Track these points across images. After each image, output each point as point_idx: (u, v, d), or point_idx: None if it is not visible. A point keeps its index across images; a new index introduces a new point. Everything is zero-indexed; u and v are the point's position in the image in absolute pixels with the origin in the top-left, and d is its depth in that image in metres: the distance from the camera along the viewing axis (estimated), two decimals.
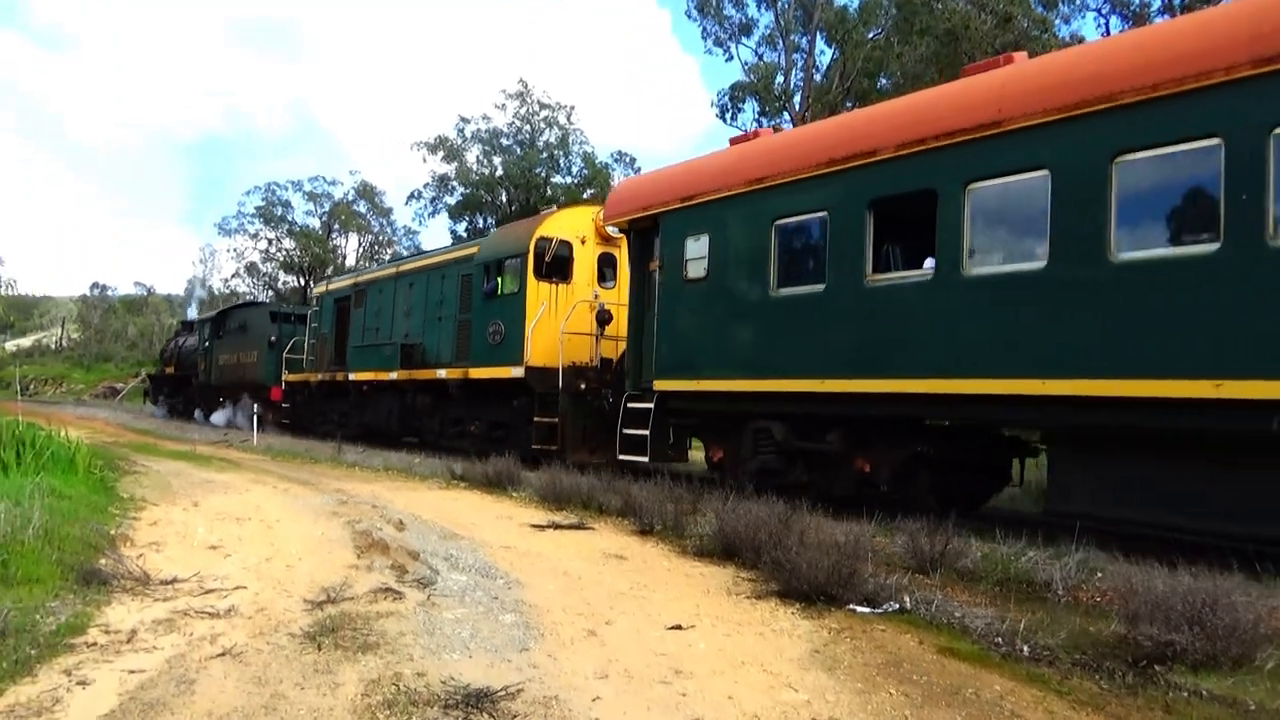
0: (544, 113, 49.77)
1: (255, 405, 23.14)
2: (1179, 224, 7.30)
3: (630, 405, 12.25)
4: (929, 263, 8.99)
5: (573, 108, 50.07)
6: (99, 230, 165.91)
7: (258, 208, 70.33)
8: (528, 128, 50.25)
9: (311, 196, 71.87)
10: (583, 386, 14.07)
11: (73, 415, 32.00)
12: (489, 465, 12.68)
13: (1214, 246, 6.84)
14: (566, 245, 15.38)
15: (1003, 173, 8.32)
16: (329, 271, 54.03)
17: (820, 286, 9.90)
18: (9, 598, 5.04)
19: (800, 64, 30.43)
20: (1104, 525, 7.89)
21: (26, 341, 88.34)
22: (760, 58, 29.91)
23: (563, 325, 14.37)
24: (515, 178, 49.19)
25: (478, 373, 15.90)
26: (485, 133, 50.84)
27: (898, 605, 5.87)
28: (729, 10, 29.94)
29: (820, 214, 9.98)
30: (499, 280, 15.83)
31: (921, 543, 7.13)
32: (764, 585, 6.48)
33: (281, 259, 70.04)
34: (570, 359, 14.28)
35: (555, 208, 18.51)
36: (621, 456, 12.29)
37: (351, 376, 20.76)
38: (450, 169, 51.68)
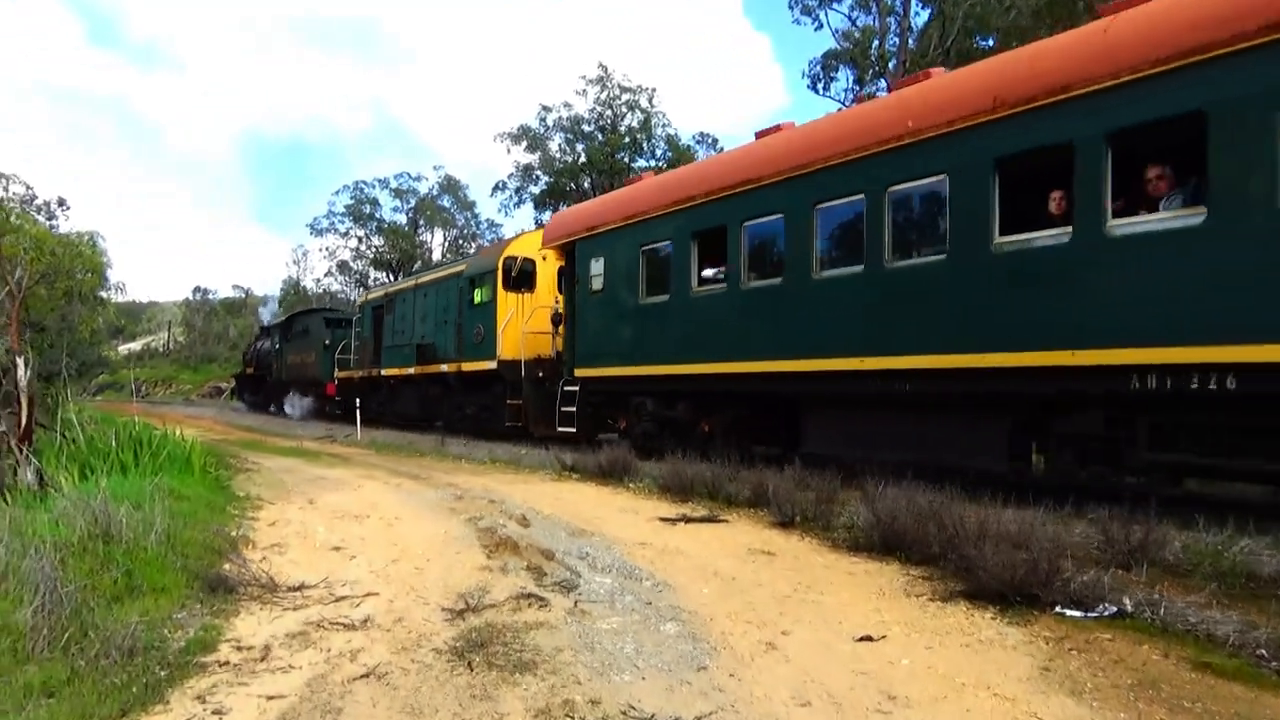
0: (625, 96, 49.21)
1: (358, 400, 23.35)
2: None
3: (564, 389, 15.40)
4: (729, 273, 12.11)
5: (654, 90, 49.42)
6: (199, 236, 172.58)
7: (347, 206, 71.79)
8: (609, 113, 49.77)
9: (397, 193, 73.03)
10: (540, 375, 17.14)
11: (183, 415, 32.87)
12: (601, 455, 12.13)
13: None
14: (530, 262, 18.04)
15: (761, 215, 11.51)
16: (416, 267, 54.72)
17: (666, 296, 13.08)
18: (135, 610, 4.66)
19: (894, 28, 29.06)
20: (829, 459, 10.23)
21: (136, 345, 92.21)
22: (854, 23, 28.71)
23: (524, 327, 17.47)
24: (599, 163, 48.76)
25: (468, 366, 19.34)
26: (567, 120, 50.57)
27: (1115, 608, 5.05)
28: None
29: (667, 242, 13.16)
30: (477, 291, 19.20)
31: (1115, 531, 6.28)
32: (944, 585, 5.73)
33: (372, 256, 71.35)
34: (532, 353, 17.36)
35: (523, 231, 22.57)
36: (559, 429, 15.44)
37: (383, 372, 24.30)
38: (534, 158, 51.63)
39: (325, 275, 75.90)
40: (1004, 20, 24.65)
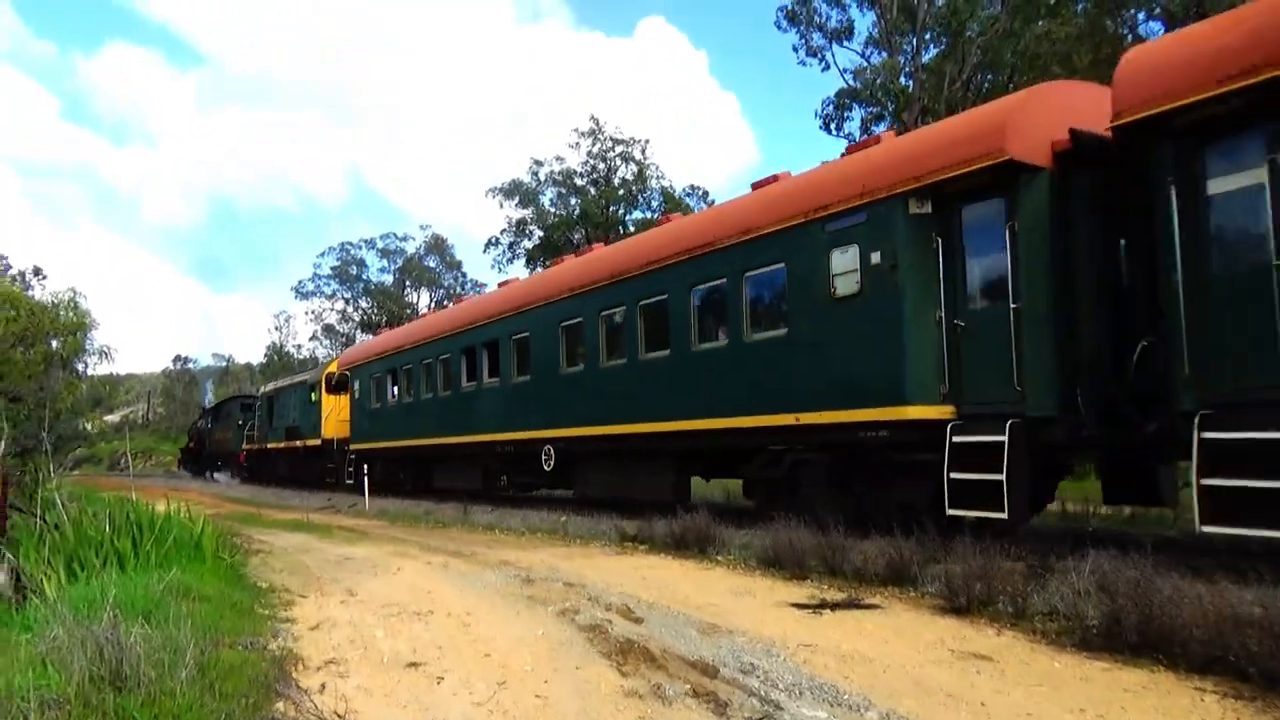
0: (618, 149, 48.29)
1: (365, 468, 21.97)
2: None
3: (351, 454, 24.62)
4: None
5: (647, 141, 48.46)
6: (178, 306, 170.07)
7: (333, 268, 70.32)
8: (602, 165, 48.82)
9: (384, 253, 71.73)
10: (344, 447, 25.65)
11: (165, 488, 30.72)
12: (674, 524, 10.48)
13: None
14: (345, 374, 26.21)
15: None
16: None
17: (396, 400, 22.48)
18: None
19: (905, 65, 28.22)
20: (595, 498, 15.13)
21: (114, 417, 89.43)
22: (867, 60, 27.82)
23: (338, 416, 26.92)
24: (594, 216, 47.64)
25: (309, 441, 29.21)
26: (559, 174, 49.56)
27: None
28: (827, 12, 27.94)
29: (410, 365, 21.62)
30: (312, 393, 29.17)
31: None
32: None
33: (359, 318, 69.70)
34: (339, 434, 26.56)
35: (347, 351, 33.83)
36: (348, 481, 24.67)
37: (268, 445, 34.12)
38: (527, 213, 50.47)
39: (310, 339, 74.05)
40: (1010, 49, 23.74)
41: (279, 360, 78.39)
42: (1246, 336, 7.04)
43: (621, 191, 48.25)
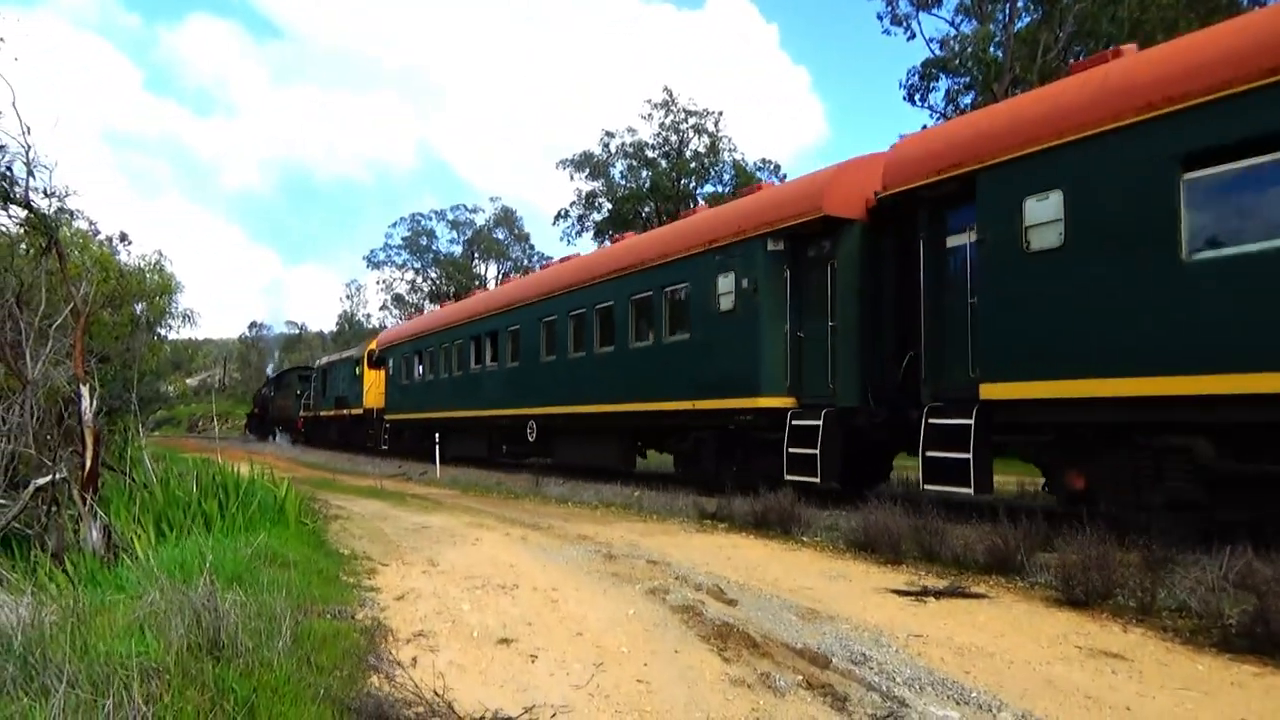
0: (691, 120, 47.64)
1: (436, 437, 22.15)
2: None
3: (386, 423, 28.27)
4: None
5: (721, 114, 47.71)
6: (253, 273, 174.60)
7: (404, 239, 71.20)
8: (674, 137, 48.24)
9: (454, 225, 72.33)
10: (381, 416, 29.23)
11: (243, 451, 31.54)
12: (754, 503, 10.17)
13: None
14: (382, 353, 29.39)
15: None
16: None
17: (433, 376, 24.65)
18: None
19: (997, 34, 27.06)
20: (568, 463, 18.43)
21: (193, 381, 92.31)
22: (956, 28, 26.74)
23: (379, 389, 29.82)
24: (664, 189, 47.16)
25: (354, 410, 32.82)
26: (630, 146, 49.15)
27: None
28: None
29: (433, 348, 25.14)
30: (357, 367, 32.51)
31: None
32: None
33: (428, 289, 70.49)
34: (377, 404, 29.88)
35: (384, 332, 35.72)
36: (384, 446, 28.34)
37: (320, 413, 37.83)
38: (597, 185, 50.23)
39: (380, 309, 75.17)
40: (1113, 19, 22.51)
41: (350, 329, 79.91)
42: (955, 351, 9.80)
43: (693, 164, 47.66)
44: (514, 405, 19.40)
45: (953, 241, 10.03)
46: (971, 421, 9.07)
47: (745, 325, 12.35)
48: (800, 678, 4.33)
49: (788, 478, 11.28)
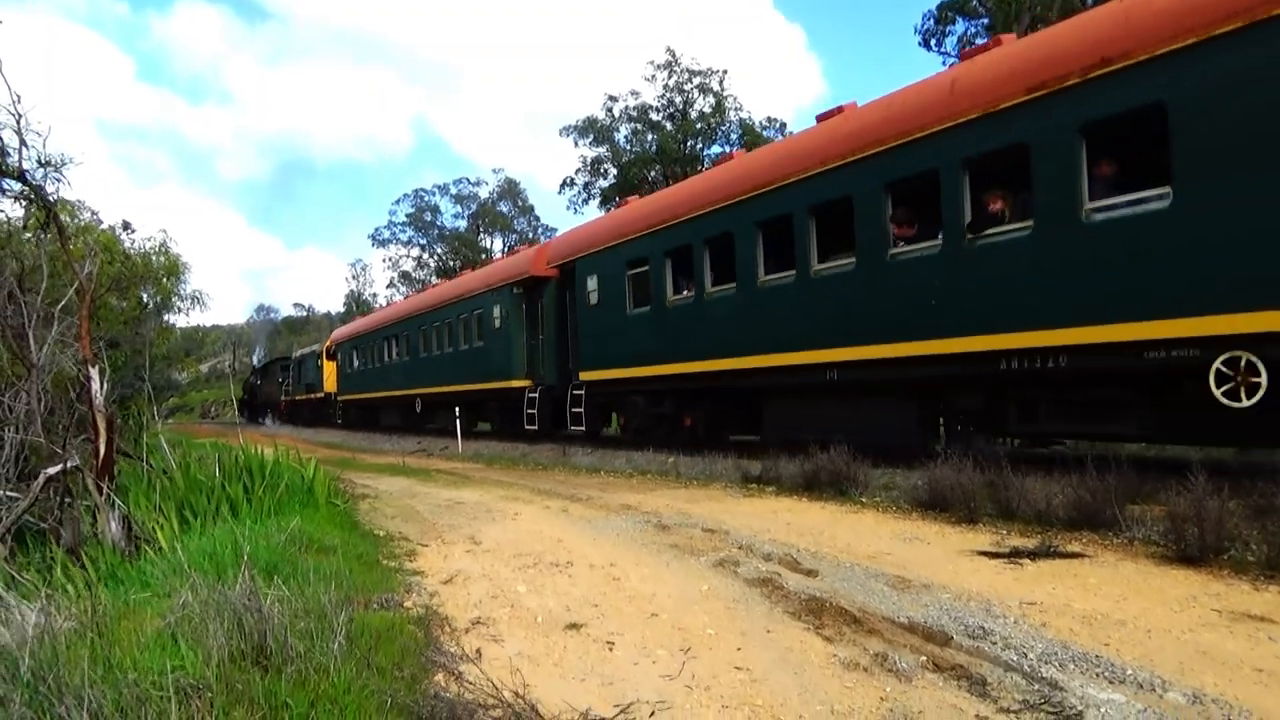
0: (696, 80, 46.57)
1: (457, 411, 21.66)
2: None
3: (339, 402, 36.03)
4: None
5: (725, 72, 46.64)
6: (256, 258, 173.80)
7: (408, 215, 70.41)
8: (679, 98, 47.20)
9: (458, 199, 71.47)
10: (336, 399, 36.63)
11: (257, 434, 31.21)
12: (805, 463, 9.65)
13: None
14: (334, 348, 36.44)
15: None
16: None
17: (359, 367, 33.01)
18: None
19: None
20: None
21: (204, 367, 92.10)
22: None
23: (332, 376, 36.94)
24: (671, 152, 46.24)
25: (317, 394, 39.47)
26: (634, 109, 48.15)
27: None
28: None
29: (354, 349, 34.32)
30: (318, 360, 39.38)
31: None
32: None
33: (435, 264, 69.82)
34: (333, 389, 36.64)
35: (335, 331, 43.08)
36: (337, 421, 36.23)
37: (297, 397, 43.72)
38: (601, 151, 49.31)
39: (388, 287, 74.55)
40: None
41: (357, 308, 79.35)
42: (577, 354, 17.16)
43: (699, 125, 46.68)
44: (411, 387, 26.56)
45: (581, 293, 16.81)
46: (583, 392, 16.73)
47: (506, 337, 19.87)
48: (923, 658, 3.81)
49: (526, 427, 18.82)
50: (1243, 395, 6.92)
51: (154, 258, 17.21)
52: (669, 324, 13.92)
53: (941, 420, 10.15)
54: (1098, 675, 3.58)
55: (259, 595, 3.25)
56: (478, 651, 4.18)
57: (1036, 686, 3.44)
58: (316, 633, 3.29)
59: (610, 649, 4.25)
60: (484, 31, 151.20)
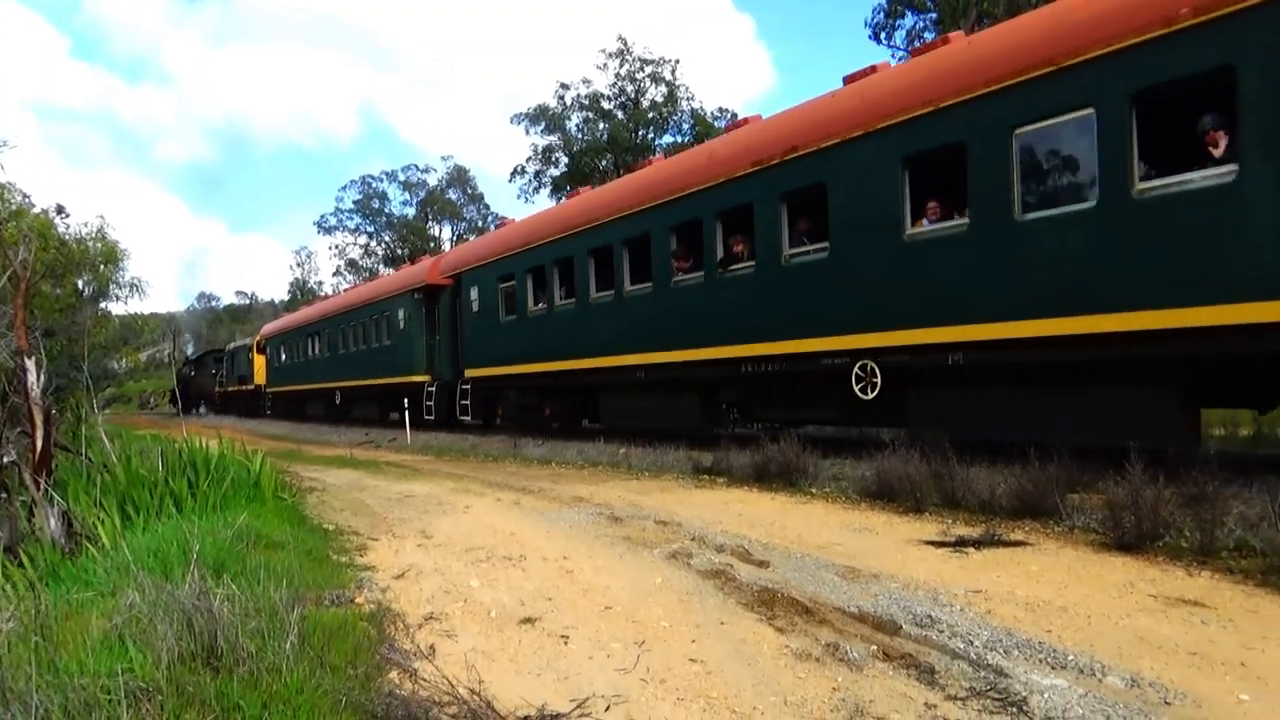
0: (648, 69, 46.48)
1: (405, 403, 21.52)
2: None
3: (268, 394, 37.70)
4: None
5: (677, 61, 46.61)
6: (198, 245, 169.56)
7: (355, 202, 69.30)
8: (631, 87, 47.08)
9: (406, 186, 70.49)
10: (265, 390, 38.06)
11: (198, 425, 30.54)
12: (756, 455, 9.75)
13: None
14: (264, 342, 38.01)
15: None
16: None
17: (285, 361, 34.96)
18: None
19: None
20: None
21: (142, 356, 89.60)
22: None
23: (262, 369, 38.50)
24: (623, 141, 46.11)
25: (249, 386, 40.59)
26: (586, 98, 47.90)
27: None
28: None
29: (281, 344, 36.56)
30: (249, 353, 40.77)
31: None
32: None
33: (383, 252, 68.88)
34: (263, 381, 38.01)
35: (265, 326, 43.73)
36: (267, 411, 37.44)
37: (229, 389, 44.97)
38: (553, 139, 48.99)
39: (334, 275, 73.35)
40: None
41: (302, 296, 77.93)
42: (465, 353, 19.56)
43: (651, 115, 46.61)
44: (331, 380, 28.52)
45: (468, 299, 19.27)
46: (469, 387, 19.25)
47: (408, 336, 22.02)
48: (873, 647, 3.89)
49: (425, 417, 20.84)
50: (869, 391, 9.66)
51: (91, 244, 16.71)
52: (530, 330, 16.71)
53: (723, 407, 12.90)
54: (1041, 661, 3.69)
55: (209, 594, 3.20)
56: (431, 648, 4.16)
57: (983, 674, 3.54)
58: (268, 632, 3.24)
59: (565, 643, 4.26)
60: (442, 25, 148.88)
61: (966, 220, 8.60)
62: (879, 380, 9.54)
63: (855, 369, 9.74)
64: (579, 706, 3.38)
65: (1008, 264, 8.16)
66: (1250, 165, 6.51)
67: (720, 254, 11.61)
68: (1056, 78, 7.64)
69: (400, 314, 22.39)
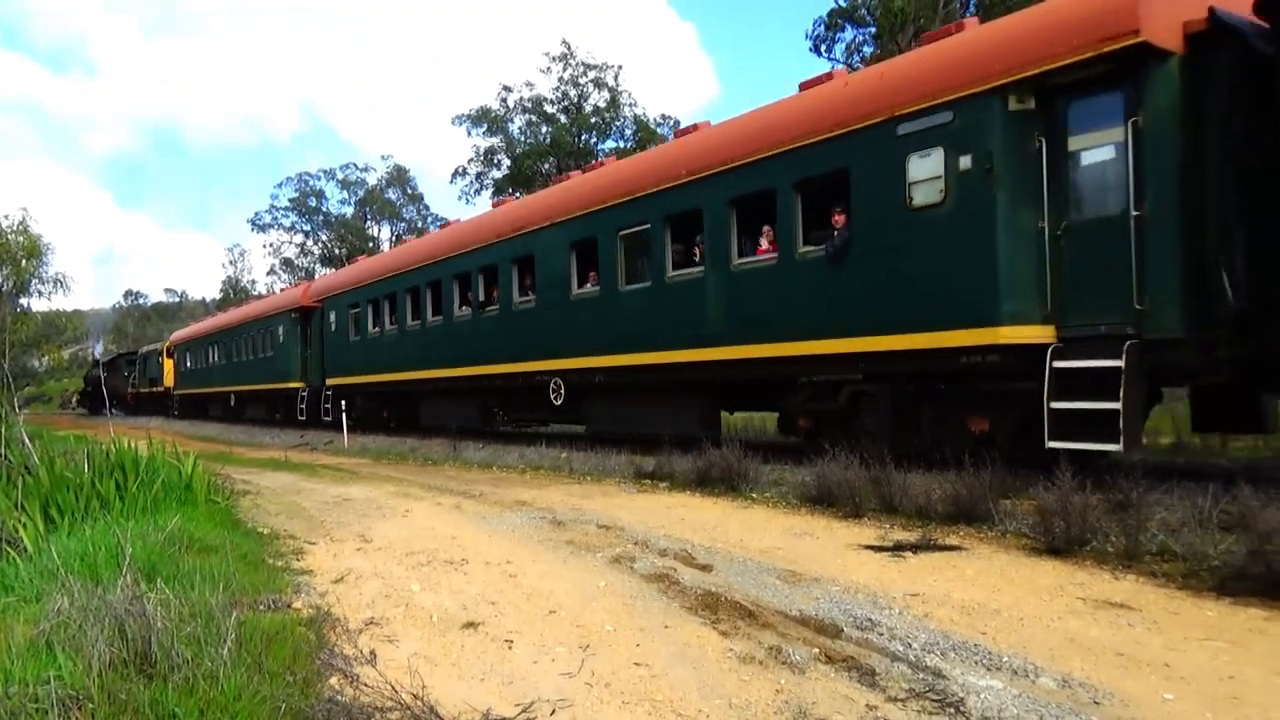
0: (591, 74, 46.47)
1: (344, 403, 21.18)
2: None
3: (175, 395, 40.11)
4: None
5: (620, 68, 46.70)
6: (125, 241, 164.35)
7: (291, 200, 67.87)
8: (574, 92, 47.01)
9: (344, 184, 69.28)
10: (174, 392, 40.54)
11: (125, 427, 29.57)
12: (699, 460, 9.80)
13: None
14: (172, 348, 41.04)
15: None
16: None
17: (191, 365, 37.91)
18: None
19: None
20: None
21: (64, 354, 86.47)
22: None
23: (172, 372, 40.74)
24: (565, 145, 46.02)
25: (159, 387, 42.40)
26: (529, 101, 47.66)
27: None
28: None
29: (189, 350, 38.74)
30: (160, 358, 42.58)
31: None
32: None
33: (319, 251, 67.60)
34: (172, 384, 40.60)
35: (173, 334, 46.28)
36: (174, 412, 39.54)
37: (141, 390, 46.01)
38: (495, 141, 48.65)
39: (268, 274, 71.73)
40: None
41: (235, 295, 76.01)
42: (331, 365, 23.70)
43: (594, 120, 46.60)
44: (229, 384, 31.33)
45: (325, 322, 24.72)
46: (330, 392, 23.45)
47: (287, 350, 25.56)
48: (815, 650, 3.94)
49: (299, 418, 24.42)
50: (558, 398, 14.08)
51: (12, 237, 16.08)
52: (370, 349, 20.83)
53: (493, 410, 16.98)
54: (976, 663, 3.78)
55: (142, 598, 3.10)
56: (372, 653, 4.10)
57: (921, 675, 3.62)
58: (204, 637, 3.16)
59: (509, 647, 4.23)
60: (380, 25, 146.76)
61: (598, 288, 13.27)
62: (564, 391, 14.00)
63: (550, 383, 14.16)
64: (524, 711, 3.36)
65: (613, 317, 12.83)
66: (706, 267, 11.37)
67: (482, 299, 16.29)
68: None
69: (280, 330, 25.76)
